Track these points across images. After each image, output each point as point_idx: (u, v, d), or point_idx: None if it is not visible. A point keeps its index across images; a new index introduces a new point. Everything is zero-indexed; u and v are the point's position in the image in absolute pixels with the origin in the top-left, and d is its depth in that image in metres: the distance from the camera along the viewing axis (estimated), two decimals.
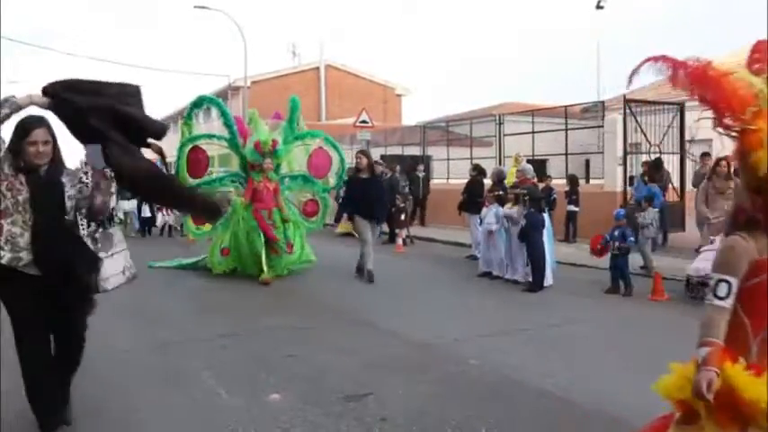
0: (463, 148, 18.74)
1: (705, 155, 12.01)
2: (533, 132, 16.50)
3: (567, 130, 15.56)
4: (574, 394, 4.51)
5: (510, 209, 9.29)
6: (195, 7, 26.35)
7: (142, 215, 16.30)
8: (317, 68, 31.92)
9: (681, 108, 14.03)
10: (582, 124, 17.15)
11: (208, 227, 9.69)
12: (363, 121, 19.36)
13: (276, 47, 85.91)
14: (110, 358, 5.40)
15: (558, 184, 13.86)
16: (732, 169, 9.93)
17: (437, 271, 10.16)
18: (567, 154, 15.66)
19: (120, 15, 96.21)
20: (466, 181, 12.90)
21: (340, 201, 12.98)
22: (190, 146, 9.70)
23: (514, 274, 9.23)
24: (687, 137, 14.23)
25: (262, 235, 9.25)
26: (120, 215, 15.69)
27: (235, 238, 9.51)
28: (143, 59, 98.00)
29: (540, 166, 14.68)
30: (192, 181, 9.34)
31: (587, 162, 17.72)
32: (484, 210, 10.19)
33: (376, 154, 17.61)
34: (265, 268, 9.14)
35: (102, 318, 5.54)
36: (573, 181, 13.63)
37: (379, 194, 9.76)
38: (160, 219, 16.45)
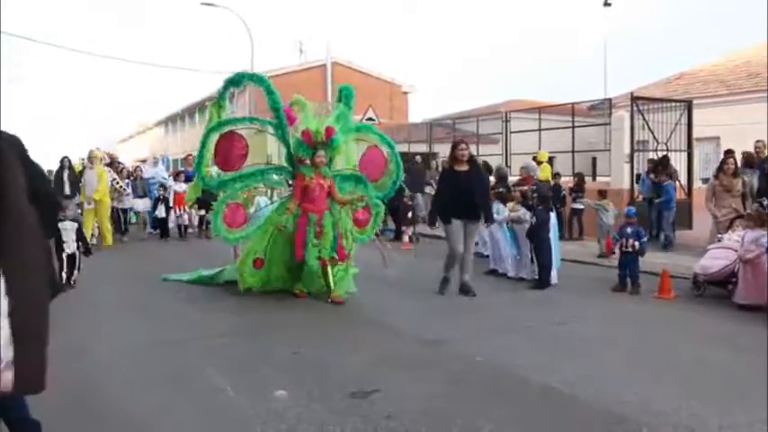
0: (470, 146, 18.70)
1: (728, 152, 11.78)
2: (540, 130, 16.48)
3: (573, 127, 15.52)
4: (579, 392, 4.50)
5: (515, 209, 9.28)
6: (202, 4, 26.41)
7: (157, 215, 14.96)
8: (324, 65, 31.93)
9: (688, 105, 14.00)
10: (589, 122, 17.14)
11: (243, 230, 8.05)
12: (370, 119, 19.34)
13: (282, 44, 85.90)
14: (113, 356, 5.43)
15: (564, 181, 13.84)
16: (738, 166, 9.93)
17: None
18: (573, 151, 15.63)
19: (124, 12, 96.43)
20: None
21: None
22: (222, 131, 7.90)
23: (521, 272, 9.23)
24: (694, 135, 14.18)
25: (311, 245, 7.54)
26: (132, 215, 15.10)
27: (273, 246, 7.90)
28: (149, 56, 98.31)
29: (546, 163, 14.65)
30: (223, 174, 7.97)
31: (594, 160, 17.70)
32: None
33: None
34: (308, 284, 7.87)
35: (105, 316, 5.59)
36: (579, 179, 13.61)
37: (482, 192, 8.13)
38: (173, 219, 14.98)
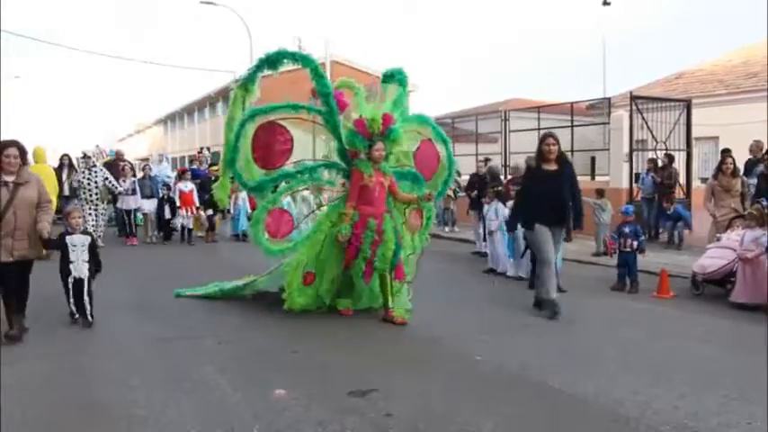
0: (469, 144, 18.71)
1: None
2: (539, 129, 16.45)
3: (572, 126, 15.53)
4: (578, 390, 4.50)
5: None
6: (201, 2, 26.42)
7: (165, 217, 13.67)
8: (323, 64, 31.89)
9: (688, 105, 14.00)
10: (588, 121, 17.14)
11: (289, 240, 6.89)
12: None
13: (282, 42, 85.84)
14: (113, 355, 5.43)
15: None
16: (736, 166, 9.94)
17: (442, 267, 10.12)
18: (572, 151, 15.60)
19: (124, 10, 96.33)
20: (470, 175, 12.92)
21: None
22: (260, 121, 6.54)
23: (519, 271, 9.24)
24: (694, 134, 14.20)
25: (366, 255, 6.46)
26: (140, 216, 13.97)
27: (324, 258, 6.66)
28: (148, 55, 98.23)
29: None
30: (264, 174, 6.70)
31: (593, 159, 17.71)
32: (485, 207, 10.20)
33: None
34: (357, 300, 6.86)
35: (105, 315, 5.59)
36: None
37: (575, 195, 7.04)
38: (179, 220, 13.60)
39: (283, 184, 6.95)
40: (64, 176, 13.06)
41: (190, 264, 10.73)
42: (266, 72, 6.72)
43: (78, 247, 6.29)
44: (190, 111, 41.18)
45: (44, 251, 6.29)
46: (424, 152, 7.37)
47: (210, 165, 15.40)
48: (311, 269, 6.66)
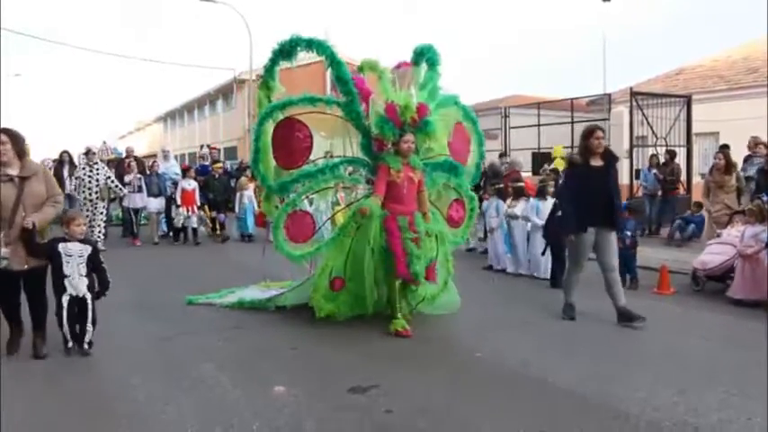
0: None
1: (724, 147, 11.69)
2: (539, 125, 16.47)
3: (572, 122, 15.51)
4: (578, 387, 4.50)
5: (512, 204, 9.29)
6: (201, 0, 26.35)
7: (172, 216, 13.13)
8: (323, 62, 31.83)
9: (688, 101, 13.99)
10: (588, 117, 17.11)
11: (312, 244, 6.39)
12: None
13: (281, 39, 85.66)
14: (112, 352, 5.42)
15: None
16: (729, 162, 9.95)
17: None
18: (572, 147, 15.60)
19: (124, 8, 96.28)
20: None
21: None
22: (277, 118, 6.13)
23: (519, 268, 9.24)
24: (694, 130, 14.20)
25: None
26: (143, 215, 13.56)
27: (354, 261, 6.15)
28: (148, 52, 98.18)
29: (545, 158, 14.69)
30: (284, 174, 6.30)
31: None
32: (485, 203, 10.17)
33: None
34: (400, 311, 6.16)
35: (104, 313, 5.58)
36: None
37: (618, 193, 6.59)
38: (180, 219, 12.91)
39: (303, 184, 6.36)
40: (65, 173, 12.61)
41: (195, 264, 10.59)
42: (283, 64, 6.26)
43: (75, 257, 5.18)
44: (190, 108, 41.17)
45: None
46: (457, 138, 6.77)
47: (214, 162, 14.99)
48: (340, 274, 6.17)
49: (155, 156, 18.06)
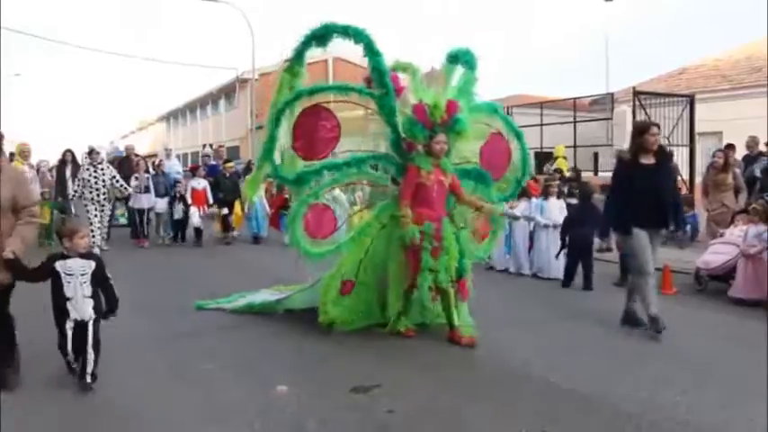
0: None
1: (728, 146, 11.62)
2: (542, 125, 16.45)
3: (575, 122, 15.50)
4: (580, 386, 4.50)
5: (513, 205, 9.27)
6: None
7: (174, 217, 12.49)
8: (325, 61, 31.84)
9: (690, 100, 13.97)
10: (590, 116, 17.10)
11: (332, 241, 5.93)
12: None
13: (284, 39, 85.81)
14: (113, 351, 5.42)
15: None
16: (728, 161, 9.93)
17: None
18: (575, 146, 15.61)
19: (126, 7, 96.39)
20: None
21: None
22: (304, 104, 5.71)
23: (520, 268, 9.24)
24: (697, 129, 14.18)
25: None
26: (153, 215, 12.76)
27: (370, 265, 5.85)
28: (150, 52, 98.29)
29: (547, 158, 14.69)
30: (304, 165, 5.81)
31: (596, 155, 17.67)
32: None
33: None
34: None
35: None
36: (577, 174, 13.64)
37: (673, 191, 6.31)
38: (196, 221, 12.39)
39: (327, 176, 5.90)
40: (67, 174, 12.11)
41: (202, 266, 10.33)
42: (314, 49, 5.78)
43: (77, 276, 4.41)
44: (192, 108, 41.21)
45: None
46: (492, 147, 6.29)
47: (225, 161, 14.39)
48: (351, 277, 5.80)
49: (156, 155, 17.90)
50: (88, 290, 4.44)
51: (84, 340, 4.38)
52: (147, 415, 4.07)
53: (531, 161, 6.62)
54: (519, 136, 6.43)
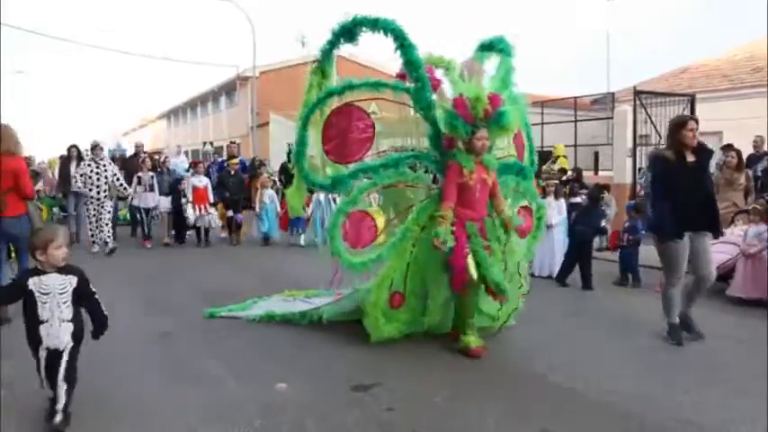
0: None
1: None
2: (542, 123, 16.44)
3: (576, 121, 15.48)
4: (581, 386, 4.50)
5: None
6: None
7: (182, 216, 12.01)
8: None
9: (691, 100, 13.95)
10: (591, 116, 17.09)
11: (374, 251, 5.41)
12: (373, 113, 19.23)
13: (285, 37, 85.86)
14: (115, 349, 5.42)
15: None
16: (741, 160, 9.92)
17: None
18: (575, 145, 15.60)
19: (128, 4, 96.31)
20: None
21: None
22: (334, 103, 5.41)
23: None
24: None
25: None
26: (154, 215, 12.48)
27: (420, 273, 5.44)
28: (152, 49, 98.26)
29: (547, 157, 14.69)
30: (337, 169, 5.50)
31: (596, 154, 17.68)
32: None
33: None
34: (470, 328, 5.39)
35: (107, 310, 5.57)
36: (578, 173, 13.64)
37: (712, 190, 5.86)
38: (191, 217, 11.88)
39: (364, 180, 5.48)
40: (72, 170, 11.82)
41: (209, 268, 9.95)
42: (343, 44, 5.44)
43: (54, 295, 3.72)
44: (193, 105, 41.16)
45: None
46: (516, 141, 5.97)
47: (229, 158, 13.76)
48: (399, 288, 5.38)
49: (158, 153, 17.72)
50: (68, 312, 3.75)
51: (58, 371, 3.68)
52: (147, 413, 4.07)
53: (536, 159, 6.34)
54: (528, 132, 6.18)
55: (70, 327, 3.75)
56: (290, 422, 3.90)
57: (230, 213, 12.30)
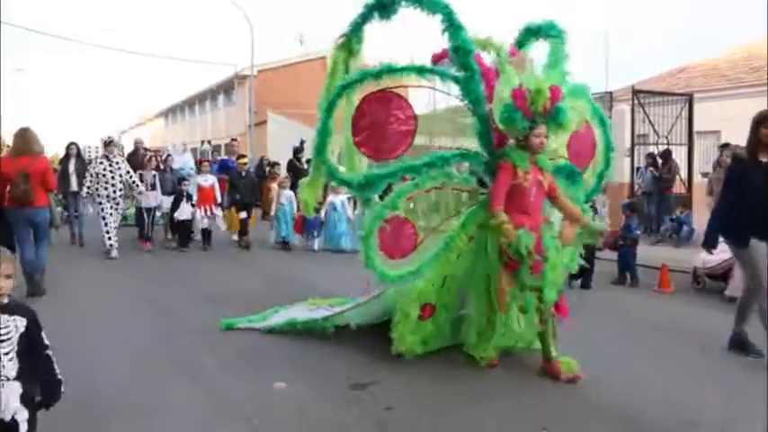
0: (472, 138, 18.61)
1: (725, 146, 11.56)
2: None
3: None
4: (580, 386, 4.51)
5: None
6: None
7: (181, 218, 11.17)
8: (325, 57, 31.72)
9: (689, 99, 13.96)
10: None
11: (413, 263, 4.83)
12: None
13: (283, 35, 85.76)
14: (114, 347, 5.43)
15: None
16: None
17: None
18: None
19: (126, 3, 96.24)
20: None
21: None
22: (366, 89, 4.72)
23: None
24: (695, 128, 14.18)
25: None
26: (158, 215, 11.86)
27: (458, 287, 4.94)
28: (150, 47, 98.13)
29: None
30: (374, 167, 4.90)
31: None
32: None
33: None
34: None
35: (106, 308, 5.57)
36: None
37: None
38: (198, 225, 11.28)
39: (405, 182, 4.91)
40: (70, 168, 11.35)
41: (217, 274, 9.28)
42: (376, 20, 4.76)
43: (12, 333, 2.64)
44: (191, 104, 41.11)
45: None
46: (579, 137, 5.20)
47: (239, 157, 12.79)
48: (432, 300, 4.87)
49: (157, 151, 17.52)
50: (11, 367, 2.59)
51: None
52: (148, 410, 4.07)
53: (612, 154, 5.50)
54: (605, 124, 5.38)
55: (16, 388, 2.60)
56: (288, 420, 3.90)
57: (243, 215, 11.54)
